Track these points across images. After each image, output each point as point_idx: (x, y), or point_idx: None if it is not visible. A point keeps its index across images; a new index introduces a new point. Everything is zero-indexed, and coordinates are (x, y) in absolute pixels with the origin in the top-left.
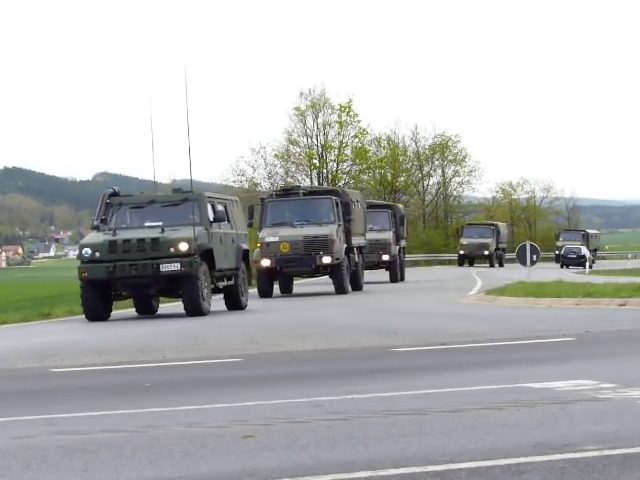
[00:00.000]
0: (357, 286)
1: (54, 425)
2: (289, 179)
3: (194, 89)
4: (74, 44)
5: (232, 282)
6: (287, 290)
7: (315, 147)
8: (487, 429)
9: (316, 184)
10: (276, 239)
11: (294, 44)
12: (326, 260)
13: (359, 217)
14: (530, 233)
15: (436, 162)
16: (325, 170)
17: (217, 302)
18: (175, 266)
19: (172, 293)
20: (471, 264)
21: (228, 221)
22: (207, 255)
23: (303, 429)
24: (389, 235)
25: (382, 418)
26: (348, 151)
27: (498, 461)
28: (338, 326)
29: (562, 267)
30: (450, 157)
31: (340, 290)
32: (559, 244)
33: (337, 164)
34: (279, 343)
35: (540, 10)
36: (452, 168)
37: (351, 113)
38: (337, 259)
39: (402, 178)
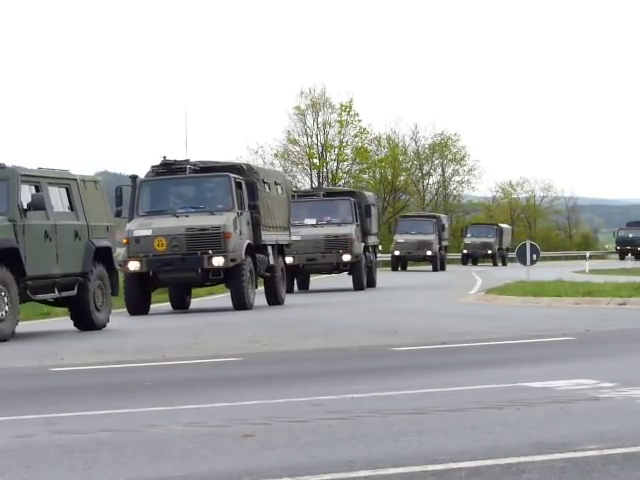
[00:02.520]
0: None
1: (54, 424)
2: (289, 178)
3: (192, 87)
4: (74, 41)
5: (74, 293)
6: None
7: (315, 146)
8: (487, 428)
9: (316, 183)
10: (148, 233)
11: (294, 43)
12: (218, 261)
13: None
14: (530, 232)
15: (436, 161)
16: (325, 169)
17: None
18: None
19: None
20: (475, 263)
21: (72, 209)
22: (11, 257)
23: (303, 428)
24: (351, 230)
25: (382, 417)
26: (348, 150)
27: (498, 460)
28: (338, 325)
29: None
30: (450, 156)
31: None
32: (467, 241)
33: (337, 163)
34: (279, 342)
35: (540, 10)
36: (452, 167)
37: (352, 112)
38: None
39: (402, 177)
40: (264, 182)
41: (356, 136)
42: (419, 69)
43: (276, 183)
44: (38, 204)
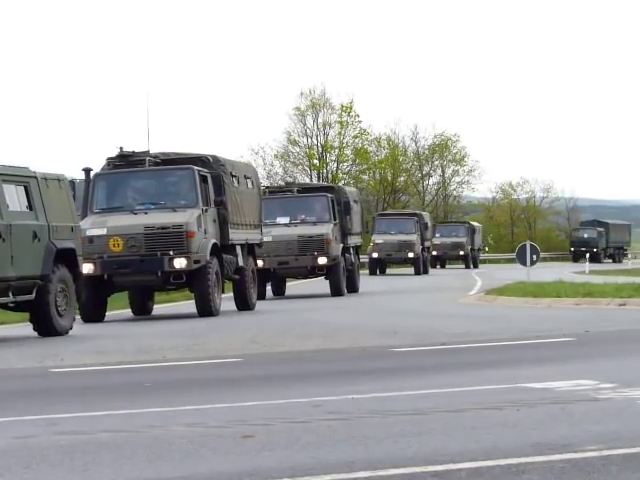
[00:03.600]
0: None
1: (54, 425)
2: (288, 178)
3: (192, 87)
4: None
5: (32, 297)
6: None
7: (315, 147)
8: (487, 429)
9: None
10: (103, 232)
11: (294, 44)
12: (180, 263)
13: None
14: (530, 233)
15: (436, 162)
16: (325, 170)
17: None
18: None
19: None
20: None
21: (31, 208)
22: None
23: (303, 429)
24: (328, 229)
25: (382, 418)
26: (348, 151)
27: (498, 461)
28: (338, 326)
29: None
30: (449, 157)
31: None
32: (435, 241)
33: (337, 164)
34: (279, 343)
35: (539, 10)
36: (452, 168)
37: (352, 113)
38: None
39: (402, 178)
40: (232, 175)
41: (356, 137)
42: (419, 70)
43: (246, 177)
44: None
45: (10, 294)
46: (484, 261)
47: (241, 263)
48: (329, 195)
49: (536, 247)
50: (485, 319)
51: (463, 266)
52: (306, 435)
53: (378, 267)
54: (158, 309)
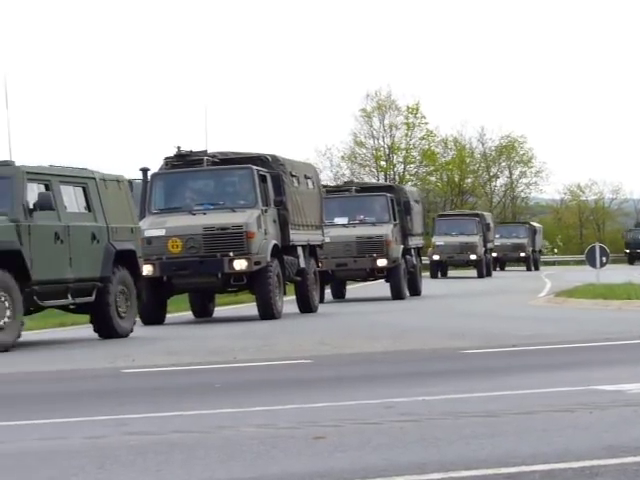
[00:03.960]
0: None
1: (126, 425)
2: (355, 180)
3: (256, 88)
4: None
5: (92, 299)
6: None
7: (382, 149)
8: (559, 431)
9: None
10: (161, 233)
11: (360, 46)
12: (240, 265)
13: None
14: (599, 235)
15: (503, 163)
16: (392, 172)
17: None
18: None
19: None
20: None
21: (90, 210)
22: (13, 260)
23: (375, 430)
24: (387, 230)
25: (454, 420)
26: (415, 153)
27: (571, 464)
28: (406, 328)
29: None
30: (517, 158)
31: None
32: (495, 242)
33: (404, 166)
34: (349, 344)
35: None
36: (519, 169)
37: (418, 115)
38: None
39: (469, 180)
40: (292, 175)
41: (423, 138)
42: (486, 71)
43: (306, 177)
44: (45, 203)
45: (69, 296)
46: (553, 263)
47: (303, 265)
48: (389, 195)
49: (605, 249)
50: (555, 321)
51: (524, 268)
52: (378, 436)
53: (439, 270)
54: (218, 311)
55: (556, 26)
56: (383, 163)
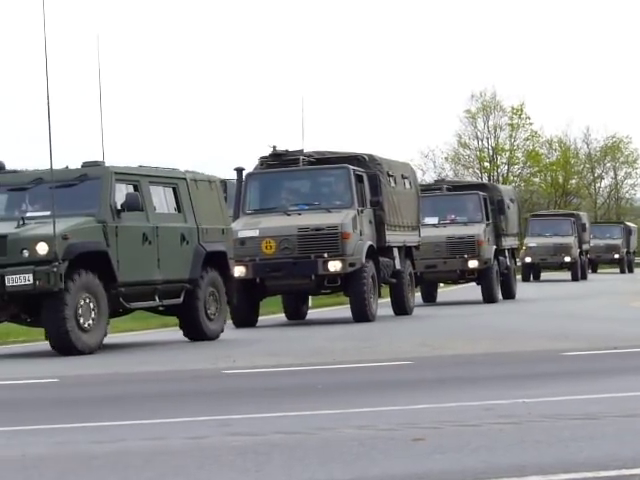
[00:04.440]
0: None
1: (227, 426)
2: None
3: (360, 91)
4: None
5: (180, 300)
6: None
7: (486, 150)
8: None
9: None
10: (255, 233)
11: (465, 46)
12: (335, 266)
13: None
14: None
15: (608, 164)
16: (496, 173)
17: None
18: (26, 279)
19: (32, 319)
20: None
21: (179, 210)
22: (99, 261)
23: (474, 432)
24: (480, 230)
25: (553, 422)
26: (519, 154)
27: None
28: (507, 330)
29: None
30: (622, 159)
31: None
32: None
33: (508, 167)
34: (450, 346)
35: None
36: (624, 170)
37: (523, 115)
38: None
39: (573, 181)
40: (389, 175)
41: (527, 139)
42: (591, 70)
43: (403, 176)
44: (133, 204)
45: (156, 298)
46: None
47: (398, 266)
48: (481, 193)
49: None
50: None
51: (617, 270)
52: (477, 438)
53: (531, 273)
54: (311, 314)
55: None
56: (487, 164)
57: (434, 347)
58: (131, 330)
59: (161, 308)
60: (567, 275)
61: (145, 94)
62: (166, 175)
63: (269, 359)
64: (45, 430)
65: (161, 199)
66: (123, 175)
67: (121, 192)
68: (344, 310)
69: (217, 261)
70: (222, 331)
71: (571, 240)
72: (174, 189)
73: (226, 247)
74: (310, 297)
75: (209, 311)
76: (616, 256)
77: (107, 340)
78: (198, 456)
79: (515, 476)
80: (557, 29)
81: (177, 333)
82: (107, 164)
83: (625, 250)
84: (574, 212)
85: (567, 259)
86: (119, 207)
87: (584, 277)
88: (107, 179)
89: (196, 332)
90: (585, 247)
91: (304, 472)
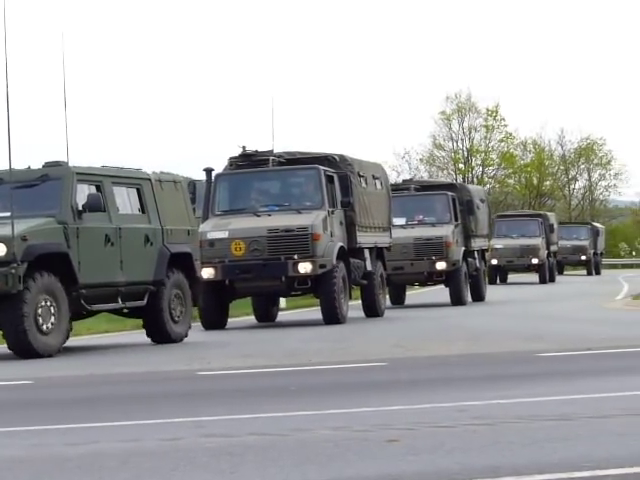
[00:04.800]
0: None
1: (202, 427)
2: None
3: (335, 92)
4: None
5: (144, 303)
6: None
7: (461, 151)
8: (635, 435)
9: None
10: (224, 235)
11: (440, 48)
12: (305, 268)
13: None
14: None
15: (582, 166)
16: (471, 174)
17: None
18: None
19: None
20: (561, 272)
21: (144, 211)
22: (59, 263)
23: (448, 434)
24: (448, 231)
25: (527, 423)
26: (494, 155)
27: None
28: (481, 331)
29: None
30: (596, 160)
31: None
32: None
33: (483, 168)
34: (424, 347)
35: None
36: (598, 172)
37: (498, 117)
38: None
39: (548, 182)
40: (360, 175)
41: (502, 141)
42: (566, 73)
43: (374, 177)
44: (94, 205)
45: (119, 300)
46: (631, 266)
47: (369, 268)
48: (450, 193)
49: None
50: (633, 324)
51: (584, 272)
52: (451, 440)
53: (498, 275)
54: (281, 316)
55: (635, 28)
56: (461, 166)
57: (408, 348)
58: (106, 332)
59: (125, 310)
60: (535, 277)
61: (115, 95)
62: (130, 175)
63: (243, 360)
64: (19, 432)
65: (124, 200)
66: (85, 175)
67: (83, 193)
68: (315, 312)
69: (182, 262)
70: (187, 334)
71: (538, 241)
72: (138, 190)
73: (191, 248)
74: (285, 299)
75: (174, 313)
76: (583, 258)
77: (81, 342)
78: (172, 457)
79: (489, 477)
80: (532, 32)
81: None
82: (70, 164)
83: (592, 252)
84: (541, 212)
85: (534, 261)
86: (80, 208)
87: (552, 280)
88: (68, 179)
89: (160, 334)
90: (553, 248)
91: (278, 473)
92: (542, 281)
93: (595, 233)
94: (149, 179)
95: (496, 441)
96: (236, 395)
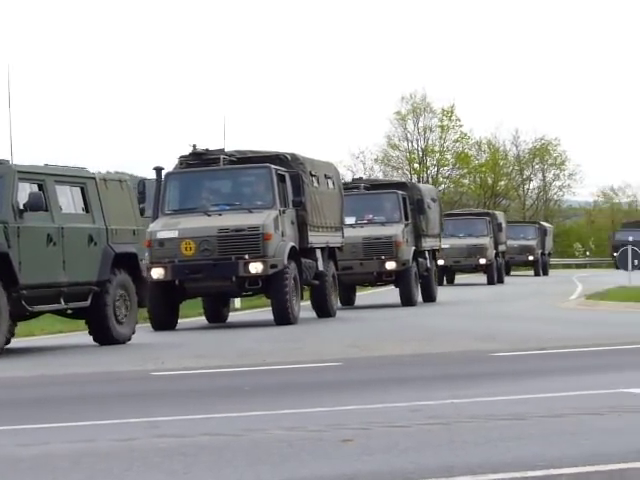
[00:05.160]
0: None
1: (155, 428)
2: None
3: (289, 93)
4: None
5: (87, 303)
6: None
7: (416, 151)
8: (587, 434)
9: None
10: (174, 234)
11: (395, 48)
12: (256, 268)
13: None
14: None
15: (536, 166)
16: (426, 174)
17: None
18: None
19: None
20: (508, 272)
21: (88, 211)
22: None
23: (402, 433)
24: (397, 230)
25: (481, 423)
26: (449, 155)
27: (599, 467)
28: (435, 331)
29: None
30: (550, 161)
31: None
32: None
33: (438, 168)
34: (378, 347)
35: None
36: (552, 172)
37: (453, 117)
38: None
39: (503, 182)
40: (311, 175)
41: (457, 141)
42: (520, 74)
43: (326, 176)
44: (36, 204)
45: (62, 301)
46: (585, 266)
47: (321, 268)
48: (400, 192)
49: (638, 252)
50: (585, 324)
51: (532, 273)
52: (405, 439)
53: (445, 276)
54: (233, 317)
55: (589, 29)
56: (416, 166)
57: (362, 348)
58: (60, 332)
59: (69, 312)
60: (483, 278)
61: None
62: (73, 174)
63: (197, 361)
64: None
65: (68, 199)
66: (27, 174)
67: (24, 191)
68: (267, 313)
69: (127, 263)
70: (131, 336)
71: (486, 241)
72: (82, 189)
73: (137, 248)
74: (240, 299)
75: (118, 314)
76: (530, 258)
77: (33, 342)
78: (126, 458)
79: (444, 476)
80: (487, 32)
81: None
82: (13, 163)
83: (540, 251)
84: (489, 211)
85: (482, 261)
86: (22, 207)
87: (500, 281)
88: (10, 178)
89: (105, 336)
90: (501, 248)
91: (232, 474)
92: (490, 282)
93: (543, 232)
94: (93, 178)
95: (450, 440)
96: (190, 395)
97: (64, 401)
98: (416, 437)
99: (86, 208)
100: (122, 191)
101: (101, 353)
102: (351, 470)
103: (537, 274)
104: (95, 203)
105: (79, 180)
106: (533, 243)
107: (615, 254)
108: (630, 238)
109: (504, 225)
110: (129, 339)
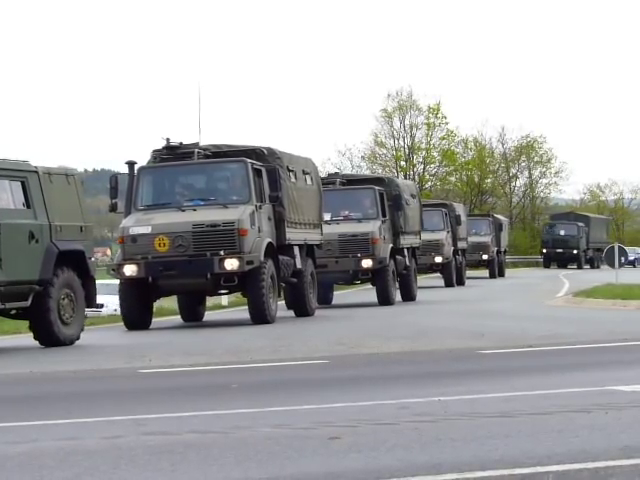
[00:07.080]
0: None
1: (142, 425)
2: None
3: (277, 90)
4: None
5: (27, 304)
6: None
7: (402, 149)
8: (575, 432)
9: None
10: (147, 230)
11: (382, 46)
12: (231, 264)
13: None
14: (618, 235)
15: (522, 163)
16: (412, 172)
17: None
18: None
19: None
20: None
21: (29, 206)
22: None
23: (390, 431)
24: (374, 227)
25: (469, 420)
26: (435, 153)
27: (586, 464)
28: (424, 328)
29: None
30: (536, 158)
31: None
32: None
33: (424, 166)
34: (365, 345)
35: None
36: (538, 169)
37: (439, 115)
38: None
39: (489, 180)
40: (289, 170)
41: (443, 138)
42: (506, 72)
43: (304, 172)
44: None
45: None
46: (517, 265)
47: (299, 265)
48: (377, 188)
49: (624, 249)
50: (573, 321)
51: (487, 274)
52: (393, 437)
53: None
54: (207, 315)
55: (577, 27)
56: (403, 163)
57: (350, 346)
58: (5, 333)
59: (12, 312)
60: (440, 281)
61: (42, 94)
62: (13, 168)
63: (185, 358)
64: None
65: (7, 193)
66: None
67: None
68: (244, 311)
69: (74, 261)
70: (79, 337)
71: (442, 236)
72: (23, 183)
73: (84, 246)
74: (227, 297)
75: (63, 314)
76: (485, 257)
77: (19, 340)
78: (113, 456)
79: (431, 474)
80: (473, 29)
81: (91, 332)
82: None
83: (495, 249)
84: (446, 202)
85: (438, 259)
86: None
87: (460, 282)
88: None
89: (48, 337)
90: (461, 245)
91: (219, 471)
92: (448, 284)
93: (498, 227)
94: (36, 172)
95: (438, 438)
96: (177, 393)
97: (51, 398)
98: (404, 434)
99: (27, 203)
100: (69, 185)
101: (89, 350)
102: (338, 467)
103: (492, 275)
104: (37, 198)
105: (19, 174)
106: (487, 240)
107: (544, 251)
108: (562, 232)
109: (463, 218)
110: (77, 339)
